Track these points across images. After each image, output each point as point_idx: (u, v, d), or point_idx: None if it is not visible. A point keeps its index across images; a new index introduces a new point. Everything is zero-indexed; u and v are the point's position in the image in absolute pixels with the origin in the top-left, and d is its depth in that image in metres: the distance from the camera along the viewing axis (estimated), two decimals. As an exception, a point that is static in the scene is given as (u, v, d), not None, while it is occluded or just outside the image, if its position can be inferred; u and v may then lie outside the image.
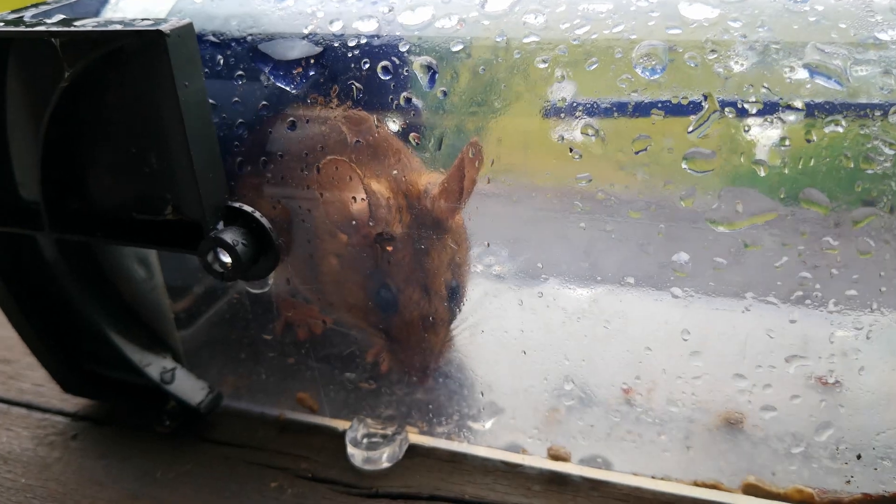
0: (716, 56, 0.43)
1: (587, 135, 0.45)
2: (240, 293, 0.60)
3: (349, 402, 0.60)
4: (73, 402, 0.64)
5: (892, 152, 0.40)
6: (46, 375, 0.66)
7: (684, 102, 0.43)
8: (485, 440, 0.56)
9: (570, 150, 0.46)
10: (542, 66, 0.45)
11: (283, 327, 0.65)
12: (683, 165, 0.43)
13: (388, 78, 0.48)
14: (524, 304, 0.53)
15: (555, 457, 0.54)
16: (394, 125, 0.50)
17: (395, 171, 0.53)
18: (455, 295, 0.57)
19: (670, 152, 0.43)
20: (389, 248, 0.53)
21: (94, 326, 0.57)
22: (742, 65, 0.42)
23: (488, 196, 0.51)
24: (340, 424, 0.59)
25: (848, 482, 0.48)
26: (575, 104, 0.46)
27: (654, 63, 0.43)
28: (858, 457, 0.47)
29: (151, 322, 0.59)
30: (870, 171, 0.40)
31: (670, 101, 0.44)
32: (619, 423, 0.55)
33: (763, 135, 0.43)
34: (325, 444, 0.58)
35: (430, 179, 0.54)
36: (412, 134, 0.49)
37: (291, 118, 0.50)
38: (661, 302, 0.48)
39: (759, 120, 0.42)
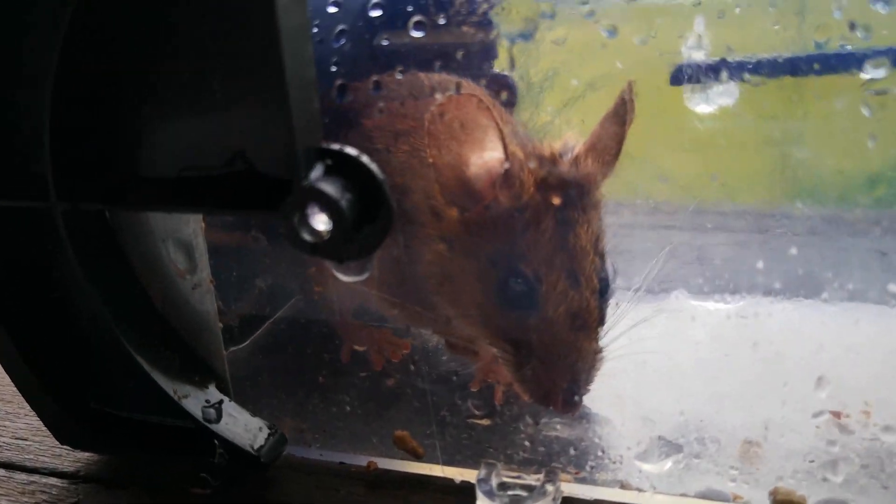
0: None
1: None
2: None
3: (462, 444, 0.44)
4: (71, 459, 0.46)
5: None
6: (32, 426, 0.49)
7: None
8: (667, 486, 0.40)
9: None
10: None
11: (350, 355, 0.50)
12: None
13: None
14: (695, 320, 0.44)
15: (784, 502, 0.38)
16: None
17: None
18: (606, 288, 0.42)
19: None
20: (557, 201, 0.38)
21: (110, 345, 0.41)
22: None
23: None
24: (457, 474, 0.42)
25: None
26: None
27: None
28: None
29: (191, 337, 0.42)
30: None
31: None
32: (846, 456, 0.40)
33: None
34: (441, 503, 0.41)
35: (565, 142, 0.42)
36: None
37: (418, 18, 0.35)
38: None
39: None
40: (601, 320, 0.42)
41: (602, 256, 0.43)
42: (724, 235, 0.46)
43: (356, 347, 0.49)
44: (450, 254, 0.42)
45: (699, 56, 0.40)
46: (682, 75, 0.41)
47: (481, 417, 0.45)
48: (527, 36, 0.39)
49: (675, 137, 0.44)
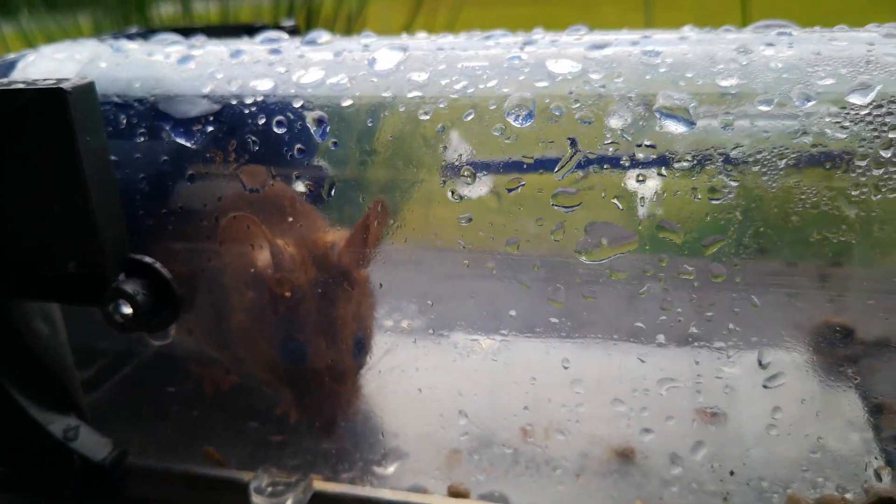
0: (579, 105, 0.47)
1: (465, 176, 0.49)
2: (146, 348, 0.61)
3: (257, 455, 0.61)
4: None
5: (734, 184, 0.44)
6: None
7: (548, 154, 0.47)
8: (389, 483, 0.58)
9: (451, 193, 0.49)
10: (424, 117, 0.49)
11: (194, 383, 0.66)
12: (552, 204, 0.47)
13: (282, 132, 0.51)
14: (426, 352, 0.57)
15: (455, 494, 0.56)
16: (299, 184, 0.53)
17: (298, 228, 0.56)
18: (361, 346, 0.59)
19: (540, 192, 0.47)
20: (288, 294, 0.55)
21: (-2, 387, 0.57)
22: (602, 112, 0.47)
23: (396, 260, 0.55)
24: (248, 477, 0.59)
25: (725, 500, 0.51)
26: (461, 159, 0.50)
27: (524, 112, 0.47)
28: (731, 473, 0.50)
29: (57, 378, 0.59)
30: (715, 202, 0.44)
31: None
32: (518, 462, 0.58)
33: (624, 173, 0.47)
34: (235, 498, 0.58)
35: (337, 236, 0.57)
36: (307, 183, 0.52)
37: (191, 172, 0.53)
38: (542, 339, 0.52)
39: (621, 161, 0.46)
40: (358, 368, 0.59)
41: (361, 321, 0.59)
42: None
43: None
44: (249, 321, 0.59)
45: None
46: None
47: (275, 435, 0.62)
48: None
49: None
